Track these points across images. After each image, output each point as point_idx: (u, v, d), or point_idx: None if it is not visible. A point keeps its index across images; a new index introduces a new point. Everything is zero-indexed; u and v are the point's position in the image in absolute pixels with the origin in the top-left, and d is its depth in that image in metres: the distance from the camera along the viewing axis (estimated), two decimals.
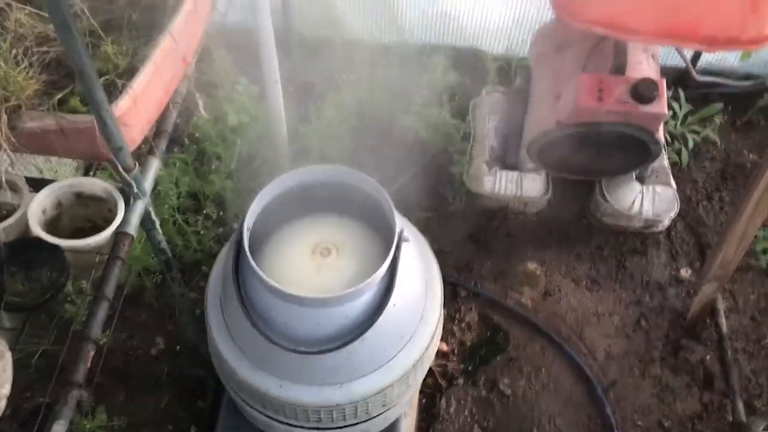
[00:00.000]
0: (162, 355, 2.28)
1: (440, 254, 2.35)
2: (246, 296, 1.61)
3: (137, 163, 1.42)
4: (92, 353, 1.27)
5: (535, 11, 2.80)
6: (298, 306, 1.55)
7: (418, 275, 1.74)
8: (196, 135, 2.53)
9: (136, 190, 1.44)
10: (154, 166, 1.53)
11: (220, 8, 1.89)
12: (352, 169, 1.72)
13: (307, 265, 1.70)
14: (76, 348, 1.24)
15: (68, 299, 1.73)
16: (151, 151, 1.54)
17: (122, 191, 1.46)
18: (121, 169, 1.38)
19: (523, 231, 2.62)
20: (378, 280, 1.58)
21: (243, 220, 1.62)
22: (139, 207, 1.46)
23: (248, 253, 1.56)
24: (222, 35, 2.61)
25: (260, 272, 1.52)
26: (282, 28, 2.88)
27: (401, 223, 1.64)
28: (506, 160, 2.62)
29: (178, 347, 2.29)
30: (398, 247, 1.61)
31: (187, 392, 2.21)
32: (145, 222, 1.52)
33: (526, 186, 2.55)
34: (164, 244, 1.64)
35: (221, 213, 2.46)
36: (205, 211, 2.45)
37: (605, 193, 2.52)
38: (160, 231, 1.58)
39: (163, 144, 1.56)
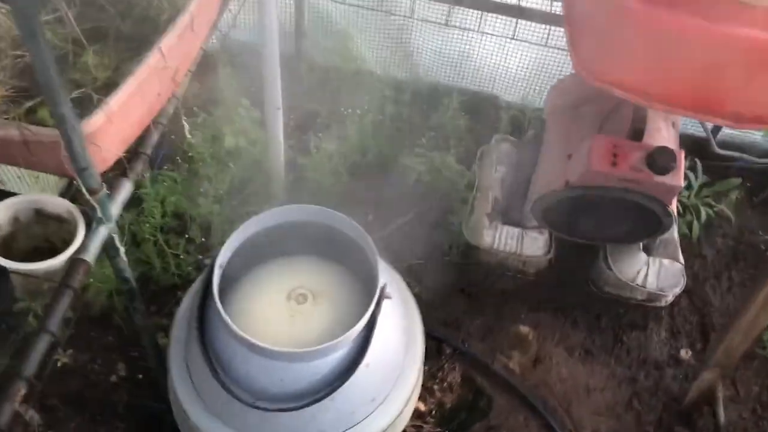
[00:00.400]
0: (122, 383, 2.14)
1: (428, 306, 2.23)
2: (209, 338, 1.49)
3: (105, 185, 1.31)
4: (23, 392, 1.14)
5: (556, 63, 2.70)
6: (261, 357, 1.43)
7: (398, 334, 1.62)
8: (189, 154, 2.42)
9: (99, 215, 1.32)
10: (126, 189, 1.42)
11: (223, 27, 1.79)
12: (340, 213, 1.60)
13: (281, 311, 1.58)
14: (3, 385, 1.11)
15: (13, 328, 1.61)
16: (124, 174, 1.43)
17: (85, 214, 1.34)
18: (84, 191, 1.26)
19: (519, 290, 2.49)
20: (353, 337, 1.45)
21: (215, 256, 1.50)
22: (101, 233, 1.34)
23: (216, 294, 1.44)
24: (230, 52, 2.53)
25: (225, 316, 1.40)
26: (292, 52, 2.79)
27: (385, 277, 1.52)
28: (509, 214, 2.50)
29: (140, 376, 2.15)
30: (378, 304, 1.48)
31: (144, 426, 2.07)
32: (109, 249, 1.40)
33: (527, 244, 2.42)
34: (128, 273, 1.51)
35: (205, 238, 2.34)
36: (188, 235, 2.33)
37: (609, 260, 2.39)
38: (124, 259, 1.46)
39: (139, 166, 1.45)
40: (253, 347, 1.39)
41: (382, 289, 1.49)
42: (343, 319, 1.54)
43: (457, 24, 2.66)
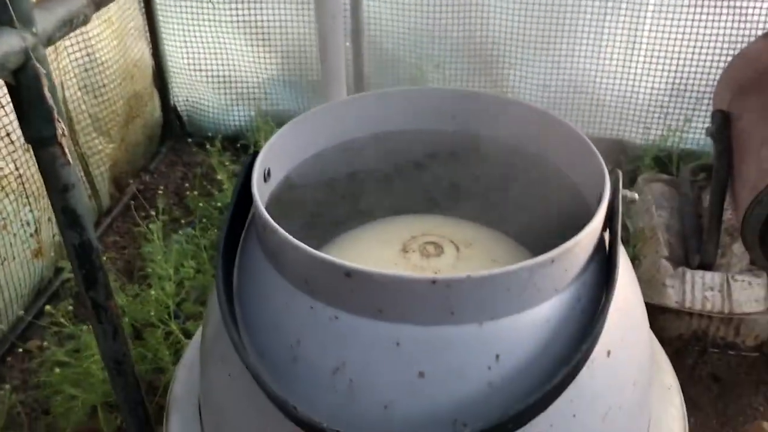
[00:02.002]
0: None
1: None
2: (247, 316, 0.67)
3: None
4: None
5: (689, 92, 2.04)
6: (371, 321, 0.59)
7: (645, 322, 0.76)
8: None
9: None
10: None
11: None
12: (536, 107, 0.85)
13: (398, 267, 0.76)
14: None
15: None
16: None
17: None
18: None
19: (739, 372, 1.57)
20: (584, 253, 0.62)
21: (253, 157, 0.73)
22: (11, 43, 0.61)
23: (260, 205, 0.65)
24: None
25: (288, 235, 0.59)
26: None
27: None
28: (690, 266, 1.67)
29: None
30: (615, 213, 0.67)
31: None
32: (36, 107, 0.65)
33: (738, 296, 1.56)
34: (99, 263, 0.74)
35: None
36: None
37: None
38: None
39: None
40: (357, 277, 0.56)
41: (616, 181, 0.68)
42: None
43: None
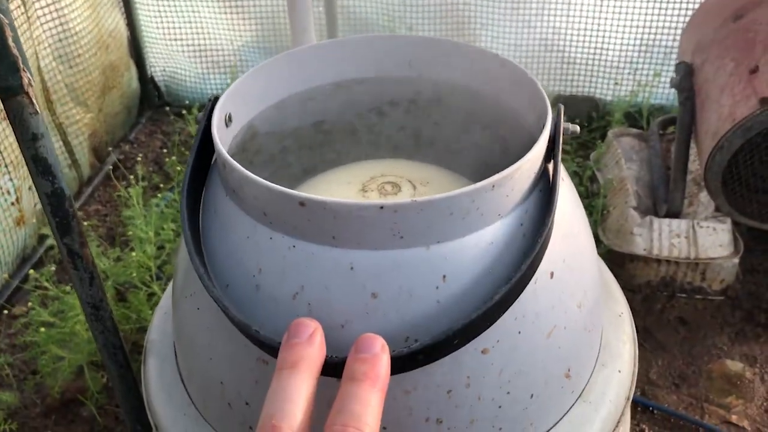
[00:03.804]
0: None
1: None
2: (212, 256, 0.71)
3: None
4: None
5: (657, 47, 2.08)
6: (326, 247, 0.63)
7: (591, 249, 0.80)
8: None
9: None
10: None
11: None
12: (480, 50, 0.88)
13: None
14: None
15: None
16: None
17: None
18: None
19: (705, 315, 1.63)
20: (525, 181, 0.66)
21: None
22: None
23: (219, 143, 0.69)
24: None
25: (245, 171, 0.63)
26: None
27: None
28: (657, 215, 1.72)
29: None
30: (555, 144, 0.70)
31: None
32: None
33: (703, 241, 1.61)
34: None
35: None
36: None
37: None
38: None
39: None
40: (315, 212, 0.60)
41: (557, 118, 0.72)
42: None
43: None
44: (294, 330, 0.51)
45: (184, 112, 2.18)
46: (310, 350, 0.50)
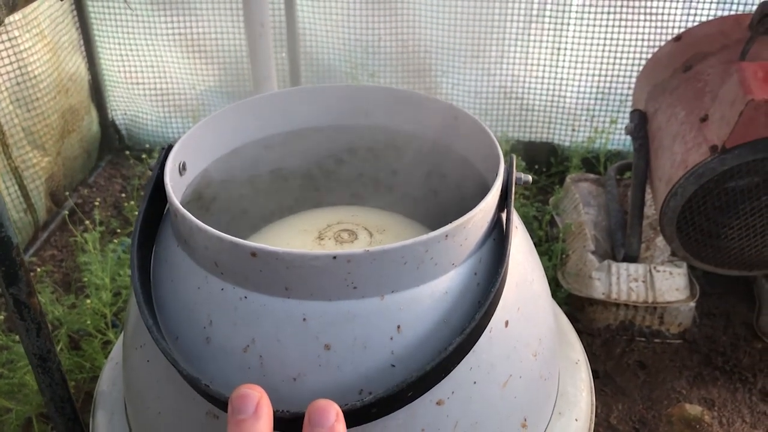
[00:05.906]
0: None
1: None
2: (161, 303, 0.69)
3: None
4: None
5: (613, 95, 2.14)
6: (280, 298, 0.62)
7: (546, 297, 0.81)
8: None
9: None
10: None
11: None
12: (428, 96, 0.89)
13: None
14: None
15: None
16: None
17: None
18: None
19: (664, 359, 1.64)
20: (479, 230, 0.66)
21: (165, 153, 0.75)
22: None
23: (175, 200, 0.68)
24: None
25: (198, 223, 0.63)
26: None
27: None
28: (615, 260, 1.74)
29: None
30: (508, 194, 0.71)
31: None
32: None
33: (660, 285, 1.64)
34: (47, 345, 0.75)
35: None
36: None
37: None
38: None
39: None
40: (266, 257, 0.59)
41: (510, 168, 0.73)
42: None
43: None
44: (238, 404, 0.49)
45: (144, 155, 2.15)
46: (257, 426, 0.48)
